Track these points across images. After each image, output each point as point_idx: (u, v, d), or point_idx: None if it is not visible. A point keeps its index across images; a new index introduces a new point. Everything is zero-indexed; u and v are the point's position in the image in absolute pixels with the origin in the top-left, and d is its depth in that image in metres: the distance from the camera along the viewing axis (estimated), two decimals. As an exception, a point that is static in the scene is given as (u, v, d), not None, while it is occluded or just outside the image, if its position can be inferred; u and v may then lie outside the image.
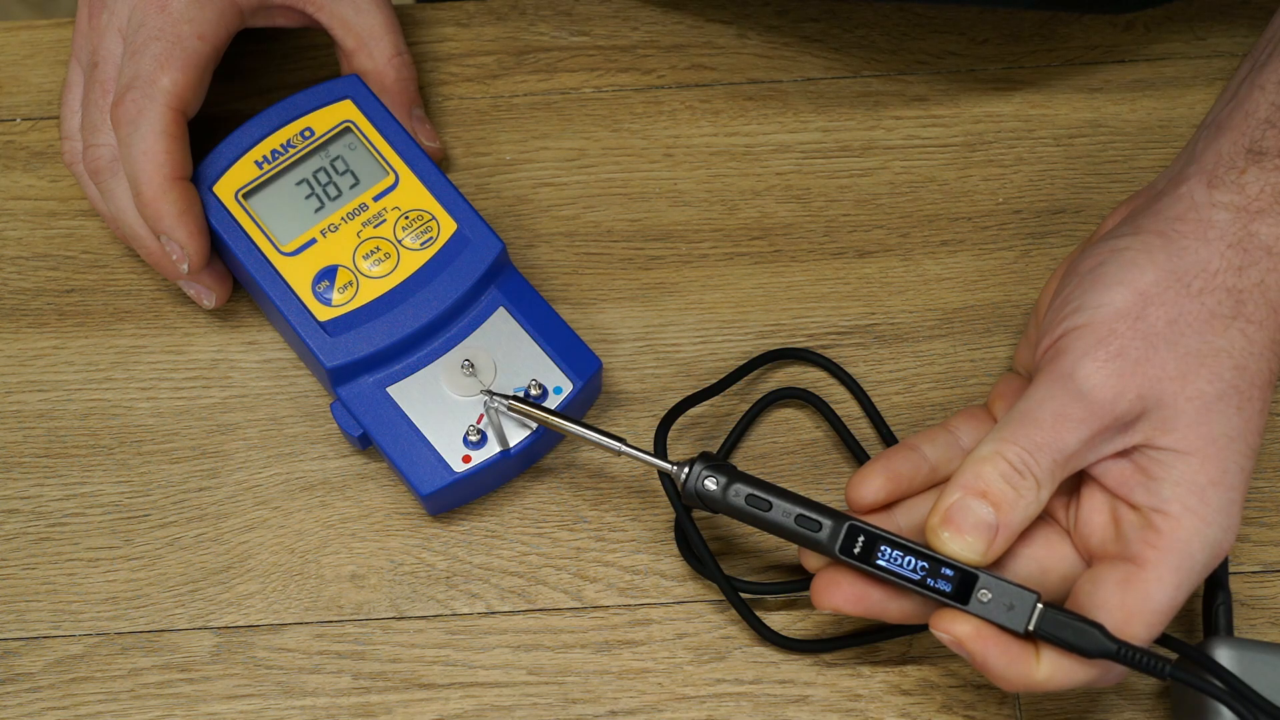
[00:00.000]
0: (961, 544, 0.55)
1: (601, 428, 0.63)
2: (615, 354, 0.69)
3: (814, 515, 0.58)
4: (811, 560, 0.60)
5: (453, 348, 0.65)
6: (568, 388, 0.65)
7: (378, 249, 0.66)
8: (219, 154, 0.67)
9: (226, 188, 0.66)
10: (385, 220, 0.66)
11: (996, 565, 0.57)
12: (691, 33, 0.76)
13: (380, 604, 0.65)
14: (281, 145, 0.67)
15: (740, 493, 0.59)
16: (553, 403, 0.65)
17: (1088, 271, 0.58)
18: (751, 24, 0.76)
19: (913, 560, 0.56)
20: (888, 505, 0.60)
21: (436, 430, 0.64)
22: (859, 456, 0.67)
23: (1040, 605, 0.55)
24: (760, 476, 0.60)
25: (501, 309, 0.66)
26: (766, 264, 0.71)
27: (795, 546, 0.64)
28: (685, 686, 0.64)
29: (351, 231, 0.66)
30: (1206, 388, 0.55)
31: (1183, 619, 0.64)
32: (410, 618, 0.65)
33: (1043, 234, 0.71)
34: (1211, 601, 0.62)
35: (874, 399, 0.68)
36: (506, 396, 0.63)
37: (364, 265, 0.65)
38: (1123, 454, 0.56)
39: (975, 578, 0.56)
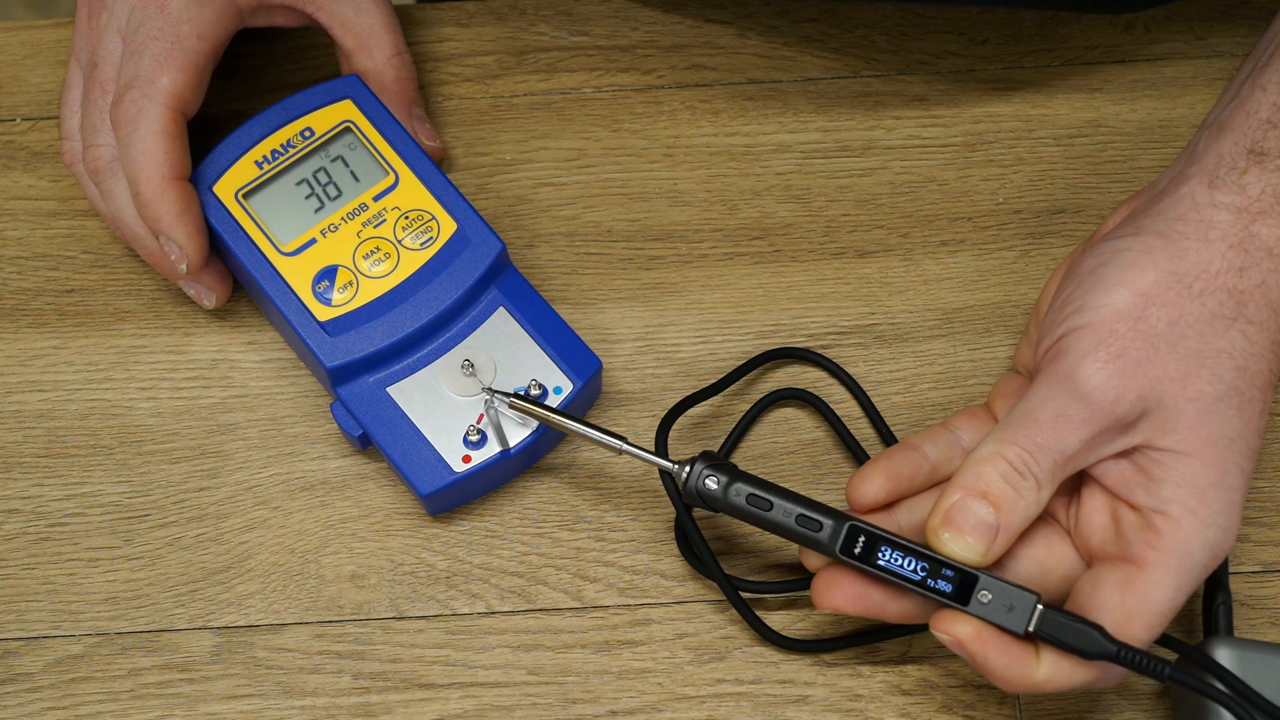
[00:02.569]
0: (962, 545, 0.55)
1: (603, 426, 0.62)
2: (615, 354, 0.69)
3: (814, 515, 0.58)
4: (812, 560, 0.60)
5: (453, 348, 0.65)
6: (568, 388, 0.65)
7: (378, 249, 0.66)
8: (219, 154, 0.67)
9: (226, 188, 0.66)
10: (385, 220, 0.66)
11: (997, 566, 0.57)
12: (691, 33, 0.76)
13: (380, 604, 0.65)
14: (281, 145, 0.67)
15: (741, 492, 0.59)
16: (552, 403, 0.65)
17: (1088, 272, 0.58)
18: (751, 24, 0.76)
19: (913, 561, 0.56)
20: (888, 505, 0.60)
21: (436, 430, 0.64)
22: (859, 456, 0.67)
23: (1040, 606, 0.55)
24: (761, 476, 0.60)
25: (501, 309, 0.66)
26: (766, 264, 0.71)
27: (796, 546, 0.64)
28: (685, 686, 0.64)
29: (351, 231, 0.66)
30: (1207, 389, 0.55)
31: (1183, 619, 0.64)
32: (410, 618, 0.65)
33: (1043, 234, 0.71)
34: (1211, 601, 0.62)
35: (874, 399, 0.68)
36: (507, 395, 0.63)
37: (364, 265, 0.65)
38: (1123, 455, 0.56)
39: (975, 578, 0.56)
